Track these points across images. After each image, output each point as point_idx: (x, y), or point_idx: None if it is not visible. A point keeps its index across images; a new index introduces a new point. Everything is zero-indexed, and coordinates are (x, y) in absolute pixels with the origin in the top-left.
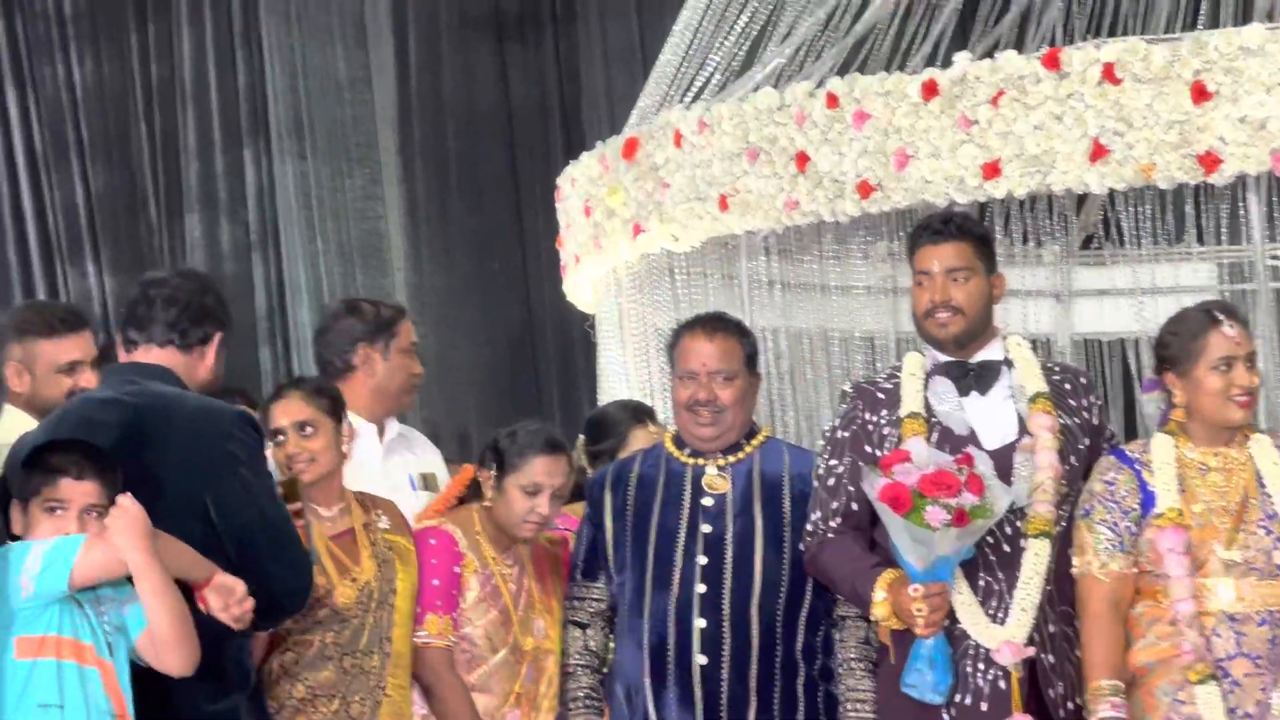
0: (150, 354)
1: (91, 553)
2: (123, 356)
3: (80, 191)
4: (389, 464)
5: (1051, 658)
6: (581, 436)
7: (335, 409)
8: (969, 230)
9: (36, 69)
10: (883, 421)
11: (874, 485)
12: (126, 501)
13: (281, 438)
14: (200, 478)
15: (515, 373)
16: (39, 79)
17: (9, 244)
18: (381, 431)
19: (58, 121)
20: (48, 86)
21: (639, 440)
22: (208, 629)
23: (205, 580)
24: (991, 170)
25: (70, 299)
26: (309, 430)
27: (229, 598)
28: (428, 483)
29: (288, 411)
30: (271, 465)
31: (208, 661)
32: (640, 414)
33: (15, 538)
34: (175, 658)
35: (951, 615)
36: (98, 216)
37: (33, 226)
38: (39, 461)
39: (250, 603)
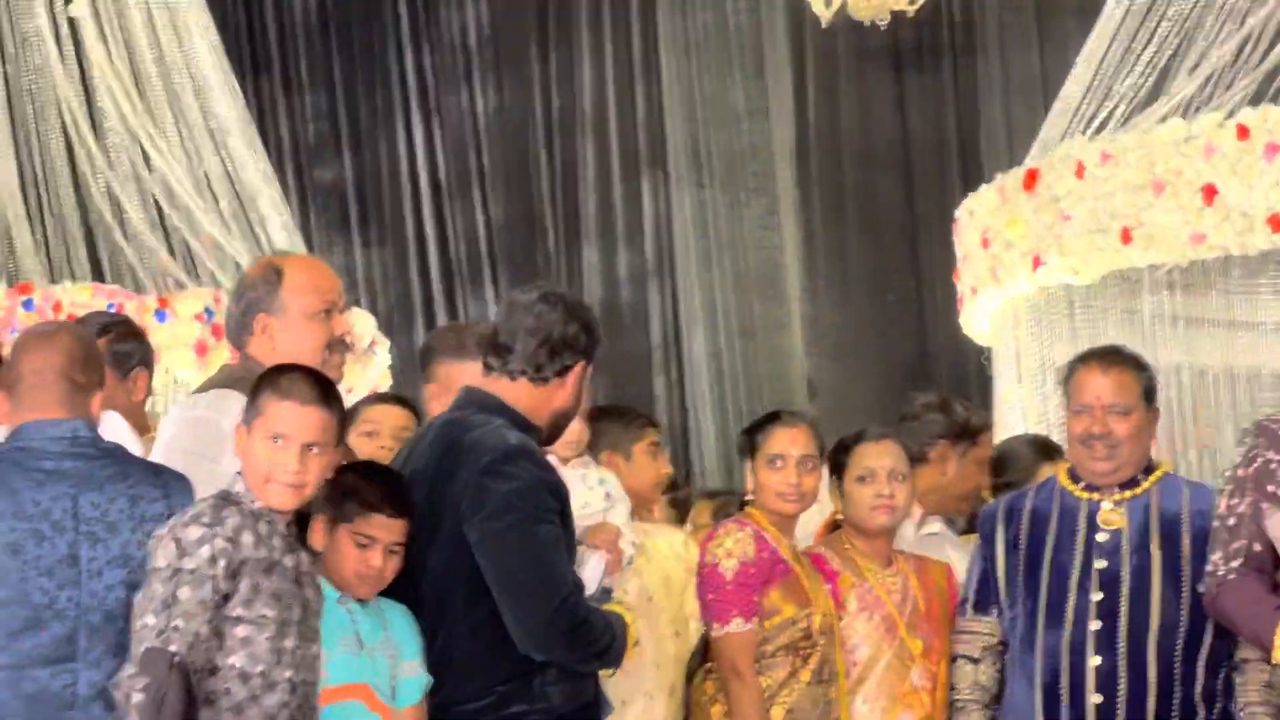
0: (500, 383)
1: None
2: (481, 377)
3: (481, 219)
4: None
5: None
6: None
7: (823, 451)
8: None
9: (442, 99)
10: None
11: (1274, 522)
12: None
13: (780, 463)
14: (462, 508)
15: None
16: (444, 108)
17: (412, 269)
18: (920, 525)
19: (461, 150)
20: (452, 116)
21: (1045, 477)
22: (505, 657)
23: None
24: None
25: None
26: (810, 465)
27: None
28: None
29: (795, 442)
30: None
31: (515, 688)
32: (1048, 451)
33: (309, 548)
34: None
35: None
36: (497, 243)
37: (434, 252)
38: (355, 489)
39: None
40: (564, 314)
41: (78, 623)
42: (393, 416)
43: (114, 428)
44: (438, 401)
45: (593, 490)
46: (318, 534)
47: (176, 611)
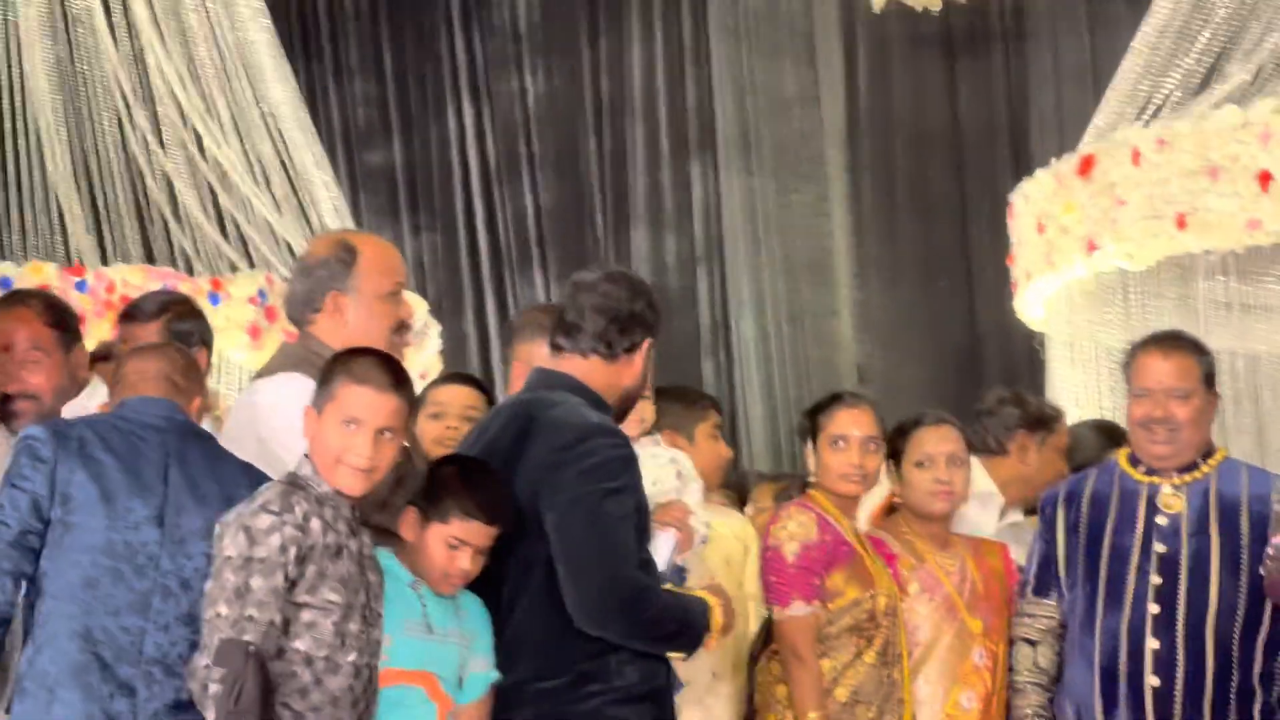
0: (572, 362)
1: None
2: (549, 359)
3: (530, 203)
4: None
5: None
6: None
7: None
8: None
9: (492, 84)
10: None
11: None
12: None
13: (843, 444)
14: (539, 485)
15: (959, 391)
16: (494, 93)
17: (461, 252)
18: (1002, 514)
19: (510, 135)
20: (502, 100)
21: None
22: (583, 635)
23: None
24: None
25: (516, 308)
26: (872, 446)
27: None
28: None
29: (858, 423)
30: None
31: (593, 667)
32: (1115, 436)
33: (395, 535)
34: None
35: None
36: (546, 228)
37: (484, 237)
38: (454, 491)
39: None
40: (630, 291)
41: (155, 584)
42: (460, 396)
43: None
44: (523, 381)
45: (664, 468)
46: (408, 526)
47: (250, 601)
